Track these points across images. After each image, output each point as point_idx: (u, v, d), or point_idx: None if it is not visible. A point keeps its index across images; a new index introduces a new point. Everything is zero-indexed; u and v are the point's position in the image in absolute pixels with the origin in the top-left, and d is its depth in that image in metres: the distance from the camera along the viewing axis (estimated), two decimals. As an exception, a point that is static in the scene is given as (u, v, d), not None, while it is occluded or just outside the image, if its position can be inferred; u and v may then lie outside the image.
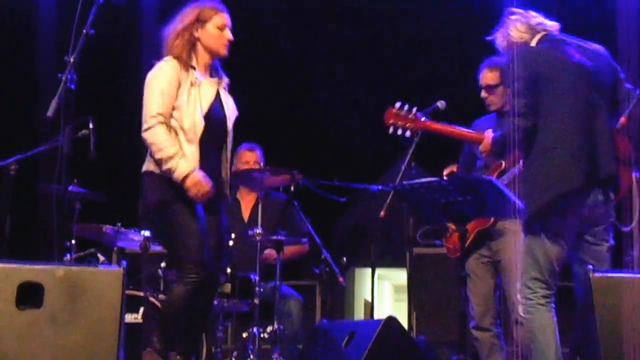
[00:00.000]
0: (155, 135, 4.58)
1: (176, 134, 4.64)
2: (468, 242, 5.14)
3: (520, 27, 4.56)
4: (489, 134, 4.66)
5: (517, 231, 5.14)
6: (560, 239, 4.24)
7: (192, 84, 4.71)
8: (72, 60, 4.17)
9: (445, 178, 5.37)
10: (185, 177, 4.53)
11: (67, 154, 4.12)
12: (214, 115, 4.75)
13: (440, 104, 5.40)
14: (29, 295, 3.64)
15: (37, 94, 6.80)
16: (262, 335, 5.62)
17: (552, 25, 4.59)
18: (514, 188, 4.97)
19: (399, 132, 4.79)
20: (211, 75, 4.86)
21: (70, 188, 5.53)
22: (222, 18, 4.83)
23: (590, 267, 3.70)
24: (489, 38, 4.72)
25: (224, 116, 4.83)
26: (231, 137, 4.87)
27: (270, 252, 6.03)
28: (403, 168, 5.29)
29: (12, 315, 3.61)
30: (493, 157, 5.27)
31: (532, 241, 4.31)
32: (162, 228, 4.75)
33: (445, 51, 8.43)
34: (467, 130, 4.94)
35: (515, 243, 5.12)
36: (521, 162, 5.06)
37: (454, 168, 5.56)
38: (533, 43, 4.52)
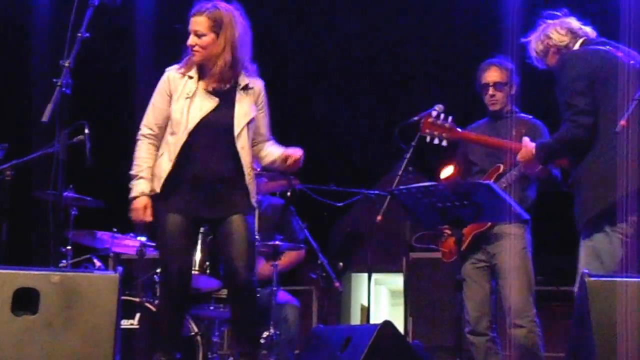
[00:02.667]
0: (136, 148, 4.76)
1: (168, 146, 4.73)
2: (464, 246, 5.13)
3: (561, 31, 4.57)
4: (527, 142, 4.65)
5: (515, 234, 5.16)
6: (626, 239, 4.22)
7: (186, 97, 4.71)
8: (67, 64, 4.15)
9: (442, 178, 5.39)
10: (133, 198, 4.71)
11: (62, 159, 4.11)
12: (209, 125, 4.71)
13: (438, 108, 5.39)
14: (25, 301, 3.63)
15: (32, 99, 6.80)
16: (258, 341, 5.61)
17: (591, 31, 4.60)
18: (511, 192, 4.98)
19: (435, 141, 4.79)
20: (224, 82, 4.78)
21: (65, 194, 5.52)
22: (190, 23, 4.76)
23: (586, 271, 3.69)
24: (523, 41, 4.71)
25: (229, 122, 4.74)
26: (244, 138, 4.75)
27: (264, 268, 6.02)
28: (400, 172, 5.28)
29: (7, 321, 3.60)
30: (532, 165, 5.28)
31: (596, 242, 4.29)
32: None
33: (440, 56, 8.45)
34: (505, 140, 4.93)
35: (512, 247, 5.13)
36: (519, 165, 5.07)
37: (450, 165, 5.57)
38: (575, 47, 4.53)
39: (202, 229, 5.51)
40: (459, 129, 4.84)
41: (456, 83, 5.75)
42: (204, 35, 4.70)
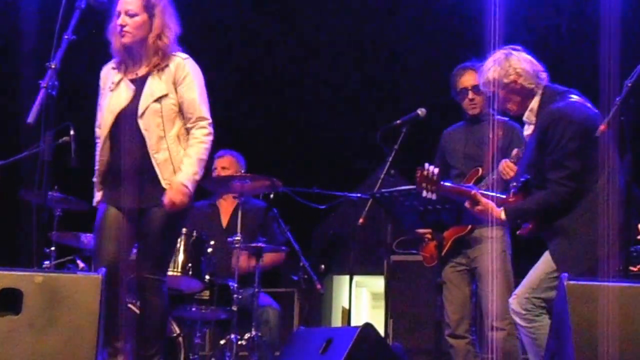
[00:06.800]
0: None
1: None
2: (445, 250, 5.18)
3: (530, 71, 4.41)
4: (491, 206, 4.43)
5: (495, 237, 5.20)
6: None
7: (110, 89, 4.61)
8: (53, 66, 4.16)
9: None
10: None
11: (47, 160, 4.11)
12: (126, 116, 4.53)
13: (421, 111, 5.44)
14: (8, 301, 3.63)
15: (18, 100, 6.79)
16: (240, 342, 5.63)
17: (545, 75, 4.48)
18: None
19: (428, 195, 4.47)
20: (147, 68, 4.55)
21: (50, 195, 5.53)
22: (119, 3, 4.49)
23: (565, 274, 3.72)
24: (482, 80, 4.52)
25: (134, 111, 4.51)
26: (150, 118, 4.50)
27: (243, 261, 6.02)
28: (382, 176, 5.32)
29: (-10, 321, 3.61)
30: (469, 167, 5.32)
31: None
32: None
33: (424, 59, 8.49)
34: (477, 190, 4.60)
35: (492, 250, 5.18)
36: (498, 168, 5.11)
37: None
38: (538, 95, 4.40)
39: (184, 230, 5.51)
40: (447, 184, 4.59)
41: (439, 86, 5.78)
42: (135, 15, 4.49)
